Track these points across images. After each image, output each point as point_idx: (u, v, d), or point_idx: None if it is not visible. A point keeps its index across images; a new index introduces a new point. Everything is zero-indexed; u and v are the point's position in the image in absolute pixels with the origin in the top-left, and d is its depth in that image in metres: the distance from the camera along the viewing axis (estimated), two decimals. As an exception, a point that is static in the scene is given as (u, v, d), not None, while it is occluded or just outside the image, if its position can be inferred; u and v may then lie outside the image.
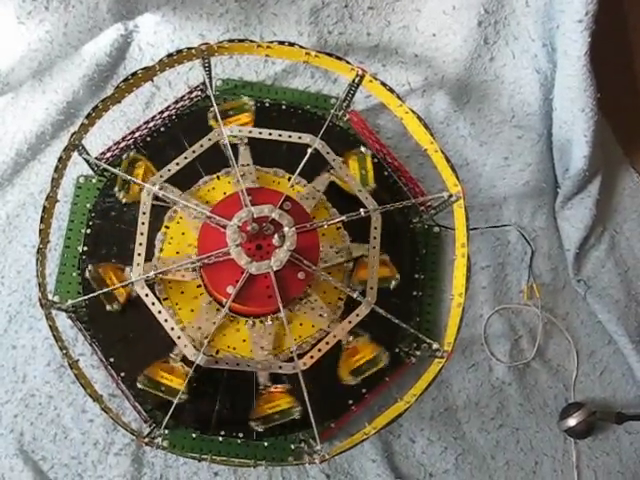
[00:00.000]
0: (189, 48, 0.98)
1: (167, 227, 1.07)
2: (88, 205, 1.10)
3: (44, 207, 0.91)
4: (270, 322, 1.00)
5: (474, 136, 1.22)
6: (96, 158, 1.05)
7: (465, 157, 1.21)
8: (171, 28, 1.16)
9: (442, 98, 1.20)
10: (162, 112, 1.10)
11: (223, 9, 1.15)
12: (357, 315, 0.98)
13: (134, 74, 0.96)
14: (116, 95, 0.96)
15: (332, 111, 1.11)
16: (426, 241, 1.17)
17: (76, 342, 1.09)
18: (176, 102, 1.11)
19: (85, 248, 1.07)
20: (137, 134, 1.09)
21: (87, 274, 0.99)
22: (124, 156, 1.05)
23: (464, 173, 1.21)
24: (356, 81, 1.03)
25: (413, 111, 0.99)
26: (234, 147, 1.07)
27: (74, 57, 1.15)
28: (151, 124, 1.10)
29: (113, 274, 1.00)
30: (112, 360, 1.02)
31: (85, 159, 1.01)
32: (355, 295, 0.98)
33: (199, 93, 1.13)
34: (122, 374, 1.02)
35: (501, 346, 1.17)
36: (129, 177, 0.99)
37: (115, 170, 1.00)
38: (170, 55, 0.98)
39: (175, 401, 0.92)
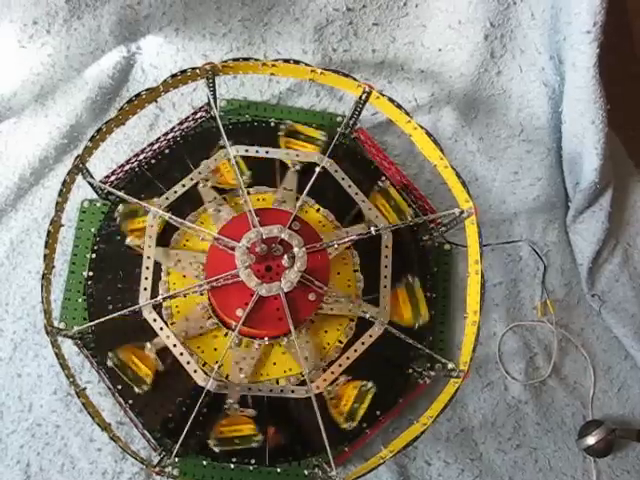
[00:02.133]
0: (193, 68, 0.97)
1: (168, 273, 1.04)
2: (93, 229, 1.09)
3: (48, 232, 0.89)
4: (257, 346, 0.97)
5: (483, 151, 1.21)
6: (100, 181, 1.04)
7: (474, 173, 1.19)
8: (174, 49, 1.15)
9: (449, 114, 1.19)
10: (166, 134, 1.09)
11: (226, 29, 1.15)
12: (370, 336, 0.96)
13: (138, 95, 0.95)
14: (120, 117, 0.95)
15: (339, 129, 1.09)
16: (437, 259, 1.15)
17: (82, 369, 1.07)
18: (180, 123, 1.10)
19: (90, 273, 1.05)
20: (141, 156, 1.08)
21: (109, 362, 0.96)
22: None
23: (474, 189, 1.19)
24: (363, 98, 1.01)
25: (422, 127, 0.98)
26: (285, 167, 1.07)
27: (76, 80, 1.14)
28: (155, 146, 1.09)
29: (135, 355, 0.97)
30: (119, 387, 1.00)
31: (89, 182, 1.00)
32: (367, 316, 0.97)
33: (203, 114, 1.12)
34: (130, 401, 1.00)
35: (516, 364, 1.15)
36: (134, 200, 0.97)
37: (120, 193, 0.98)
38: (174, 75, 0.96)
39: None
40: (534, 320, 1.17)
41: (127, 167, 1.07)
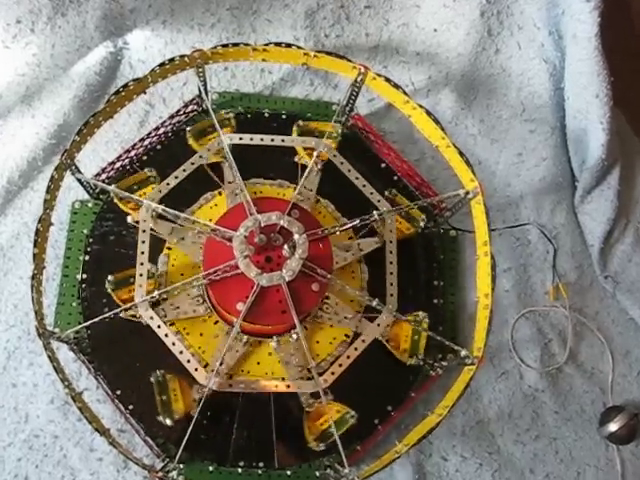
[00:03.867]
0: (182, 56, 0.93)
1: (169, 248, 1.02)
2: (85, 231, 1.04)
3: (37, 230, 0.85)
4: (295, 336, 0.92)
5: (484, 134, 1.17)
6: (89, 180, 1.01)
7: (477, 156, 1.16)
8: (162, 42, 1.11)
9: (448, 96, 1.15)
10: (157, 129, 1.05)
11: (215, 19, 1.11)
12: (378, 325, 0.92)
13: (125, 86, 0.92)
14: (107, 109, 0.92)
15: (335, 117, 1.05)
16: (443, 246, 1.11)
17: (80, 376, 1.02)
18: (171, 117, 1.06)
19: (84, 276, 1.01)
20: (132, 153, 1.04)
21: (153, 378, 0.89)
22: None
23: (477, 173, 1.13)
24: (358, 80, 0.98)
25: (421, 106, 0.95)
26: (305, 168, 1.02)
27: (63, 79, 1.10)
28: (146, 142, 1.05)
29: (180, 387, 0.90)
30: (118, 393, 0.96)
31: (78, 179, 0.96)
32: (374, 303, 0.92)
33: (195, 107, 1.09)
34: (130, 407, 0.95)
35: (530, 352, 1.10)
36: (126, 194, 0.94)
37: (110, 187, 0.95)
38: (162, 64, 0.93)
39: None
40: (547, 305, 1.13)
41: (118, 164, 1.04)
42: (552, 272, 1.14)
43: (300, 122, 1.04)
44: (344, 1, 1.09)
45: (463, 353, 0.91)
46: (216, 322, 0.97)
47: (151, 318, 0.88)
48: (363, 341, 0.91)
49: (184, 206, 1.00)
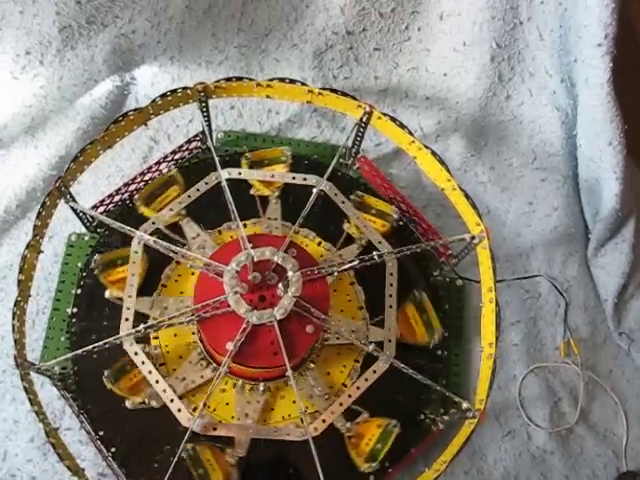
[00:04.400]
0: (184, 88, 0.93)
1: (178, 263, 0.99)
2: (79, 264, 1.02)
3: (24, 256, 0.83)
4: (262, 388, 0.90)
5: (494, 182, 1.14)
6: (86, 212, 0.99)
7: (486, 205, 1.12)
8: (169, 79, 1.11)
9: (457, 142, 1.13)
10: (158, 163, 1.04)
11: (222, 56, 1.11)
12: (374, 372, 0.87)
13: (125, 115, 0.91)
14: (106, 138, 0.90)
15: (337, 156, 1.01)
16: (449, 295, 1.07)
17: (63, 414, 0.98)
18: (174, 152, 1.05)
19: (75, 310, 0.99)
20: (132, 187, 1.03)
21: (184, 454, 0.85)
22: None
23: (486, 221, 1.10)
24: (364, 119, 0.96)
25: (427, 147, 0.92)
26: (264, 199, 1.02)
27: (68, 111, 1.10)
28: (147, 176, 1.04)
29: (212, 455, 0.86)
30: (101, 434, 0.92)
31: (73, 208, 0.94)
32: (371, 349, 0.87)
33: (198, 144, 1.07)
34: (112, 449, 0.91)
35: (539, 410, 1.04)
36: (120, 225, 0.91)
37: (102, 217, 0.92)
38: (164, 95, 0.92)
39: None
40: (557, 361, 1.07)
41: (117, 197, 1.02)
42: (563, 327, 1.09)
43: (248, 153, 1.03)
44: (353, 43, 1.08)
45: (465, 405, 0.86)
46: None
47: (135, 354, 0.84)
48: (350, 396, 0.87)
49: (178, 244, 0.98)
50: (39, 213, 0.85)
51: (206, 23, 1.05)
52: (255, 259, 0.83)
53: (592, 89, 0.96)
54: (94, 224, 1.02)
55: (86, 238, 1.04)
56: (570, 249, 1.12)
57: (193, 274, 0.98)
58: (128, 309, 0.86)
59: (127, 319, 0.85)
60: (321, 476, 0.79)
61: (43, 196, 1.05)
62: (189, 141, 1.06)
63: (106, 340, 0.83)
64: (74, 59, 1.08)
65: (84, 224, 1.01)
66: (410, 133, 0.93)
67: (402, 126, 0.93)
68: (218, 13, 1.05)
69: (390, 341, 0.88)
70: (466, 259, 1.08)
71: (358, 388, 0.85)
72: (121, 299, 0.90)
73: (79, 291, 0.99)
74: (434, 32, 1.08)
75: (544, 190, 1.13)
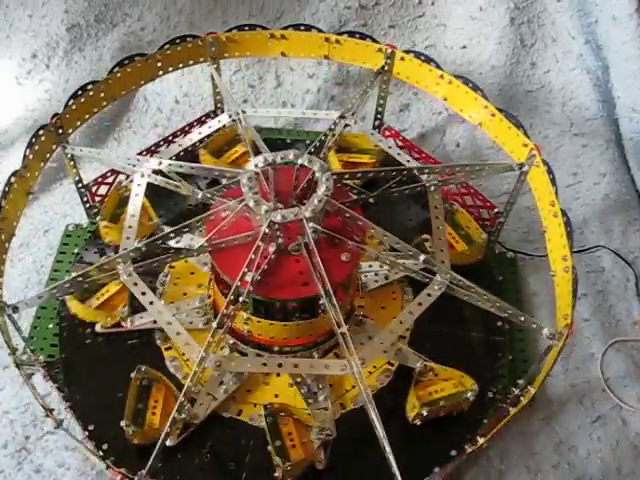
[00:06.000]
0: (194, 37, 0.88)
1: (172, 267, 0.89)
2: (76, 250, 0.91)
3: (8, 181, 0.72)
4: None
5: (531, 157, 1.04)
6: (89, 183, 0.90)
7: (527, 182, 1.02)
8: (178, 72, 1.05)
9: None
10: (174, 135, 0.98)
11: (234, 45, 1.08)
12: (428, 295, 0.71)
13: (131, 59, 0.85)
14: (109, 81, 0.83)
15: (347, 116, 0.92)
16: (501, 269, 0.93)
17: (46, 417, 0.79)
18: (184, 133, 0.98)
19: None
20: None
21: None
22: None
23: (528, 200, 1.01)
24: (387, 64, 0.89)
25: (458, 76, 0.85)
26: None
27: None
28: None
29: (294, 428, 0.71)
30: (91, 429, 0.75)
31: (66, 154, 0.84)
32: (419, 277, 0.72)
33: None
34: (104, 446, 0.73)
35: (630, 390, 0.85)
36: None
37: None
38: (172, 41, 0.87)
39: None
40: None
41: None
42: (638, 300, 0.93)
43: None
44: (367, 19, 1.05)
45: (546, 331, 0.69)
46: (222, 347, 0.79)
47: (135, 284, 0.69)
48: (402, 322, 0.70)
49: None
50: (30, 142, 0.76)
51: (216, 11, 1.03)
52: (278, 160, 0.71)
53: (620, 24, 0.91)
54: (95, 203, 0.93)
55: (84, 226, 0.94)
56: (628, 217, 1.00)
57: (193, 274, 0.88)
58: (130, 227, 0.73)
59: (128, 237, 0.72)
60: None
61: (41, 193, 1.00)
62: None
63: (101, 262, 0.69)
64: (82, 61, 1.05)
65: (83, 202, 0.91)
66: (438, 67, 0.86)
67: (428, 60, 0.87)
68: (228, 0, 1.04)
69: (443, 262, 0.73)
70: (515, 234, 0.98)
71: (411, 313, 0.69)
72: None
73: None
74: (448, 4, 1.05)
75: (587, 157, 1.03)
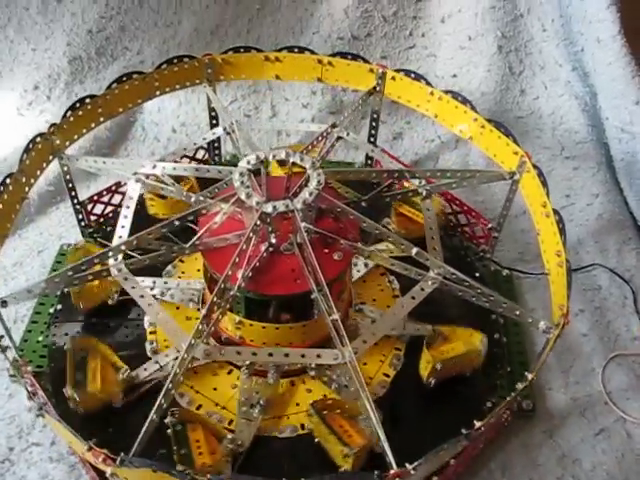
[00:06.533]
0: (191, 57, 0.91)
1: (182, 261, 0.90)
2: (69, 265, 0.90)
3: (3, 181, 0.73)
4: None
5: (524, 180, 1.05)
6: (84, 200, 0.91)
7: (520, 206, 1.01)
8: (176, 103, 1.10)
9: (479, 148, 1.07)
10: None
11: (230, 77, 1.11)
12: (422, 289, 0.70)
13: (129, 76, 0.87)
14: (107, 97, 0.85)
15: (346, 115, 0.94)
16: (497, 286, 0.92)
17: (32, 429, 0.77)
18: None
19: (59, 307, 0.85)
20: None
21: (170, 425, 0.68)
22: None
23: (523, 223, 1.02)
24: (378, 84, 0.92)
25: (448, 91, 0.87)
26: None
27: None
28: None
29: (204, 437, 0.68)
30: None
31: (63, 166, 0.85)
32: (413, 274, 0.72)
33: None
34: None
35: (633, 402, 0.83)
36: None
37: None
38: (169, 61, 0.90)
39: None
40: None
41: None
42: (638, 317, 0.92)
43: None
44: (359, 49, 1.08)
45: (542, 324, 0.67)
46: (230, 372, 0.77)
47: (125, 280, 0.68)
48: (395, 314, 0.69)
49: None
50: (27, 147, 0.78)
51: (214, 44, 1.07)
52: (270, 158, 0.72)
53: (605, 46, 0.94)
54: (90, 222, 0.93)
55: (80, 245, 0.93)
56: (622, 236, 1.00)
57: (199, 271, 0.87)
58: (123, 227, 0.73)
59: (121, 236, 0.72)
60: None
61: (36, 214, 1.01)
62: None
63: (93, 255, 0.69)
64: (82, 92, 1.07)
65: (79, 221, 0.92)
66: (428, 83, 0.88)
67: (418, 78, 0.89)
68: (225, 33, 1.08)
69: (437, 258, 0.72)
70: (510, 254, 0.98)
71: (404, 306, 0.68)
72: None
73: (66, 290, 0.86)
74: (438, 36, 1.09)
75: (579, 179, 1.04)
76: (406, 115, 1.11)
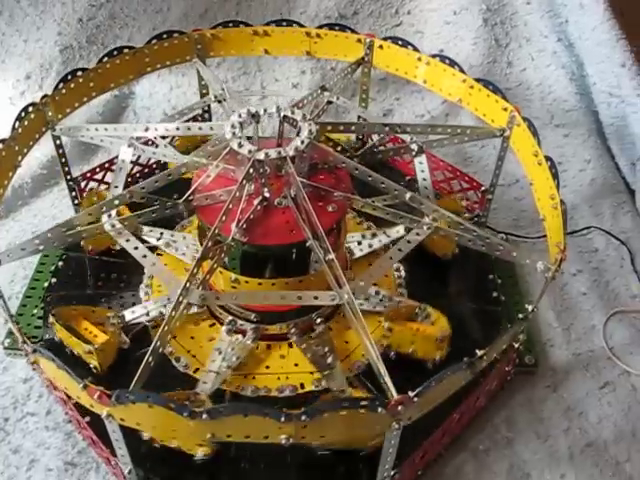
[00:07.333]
0: (181, 33, 0.91)
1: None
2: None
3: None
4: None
5: (516, 150, 1.06)
6: (78, 177, 0.91)
7: (513, 175, 1.02)
8: (167, 87, 1.10)
9: (468, 118, 1.07)
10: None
11: (220, 58, 1.11)
12: (417, 234, 0.70)
13: (120, 50, 0.87)
14: (99, 70, 0.85)
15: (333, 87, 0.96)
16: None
17: (27, 399, 0.76)
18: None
19: (54, 280, 0.86)
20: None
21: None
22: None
23: (517, 191, 1.02)
24: (367, 55, 0.92)
25: (435, 55, 0.87)
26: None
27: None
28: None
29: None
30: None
31: (55, 138, 0.85)
32: (407, 222, 0.71)
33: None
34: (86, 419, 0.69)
35: (636, 356, 0.82)
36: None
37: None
38: (159, 36, 0.90)
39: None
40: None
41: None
42: (637, 276, 0.91)
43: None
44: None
45: (540, 264, 0.66)
46: (212, 325, 0.77)
47: (120, 234, 0.68)
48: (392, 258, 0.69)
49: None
50: (19, 116, 0.77)
51: (203, 27, 1.08)
52: (261, 112, 0.72)
53: (589, 10, 0.95)
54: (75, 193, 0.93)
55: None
56: (617, 200, 1.00)
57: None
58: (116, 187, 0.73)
59: (117, 186, 0.72)
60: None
61: (30, 197, 1.01)
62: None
63: (86, 210, 0.68)
64: (74, 80, 1.08)
65: (72, 198, 0.91)
66: (415, 49, 0.89)
67: (405, 44, 0.89)
68: (214, 16, 1.09)
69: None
70: (505, 221, 0.98)
71: (400, 250, 0.68)
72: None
73: (60, 263, 0.87)
74: (423, 12, 1.10)
75: (570, 146, 1.05)
76: (396, 92, 1.12)
